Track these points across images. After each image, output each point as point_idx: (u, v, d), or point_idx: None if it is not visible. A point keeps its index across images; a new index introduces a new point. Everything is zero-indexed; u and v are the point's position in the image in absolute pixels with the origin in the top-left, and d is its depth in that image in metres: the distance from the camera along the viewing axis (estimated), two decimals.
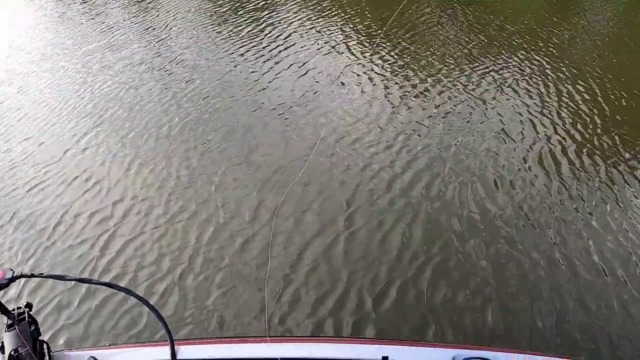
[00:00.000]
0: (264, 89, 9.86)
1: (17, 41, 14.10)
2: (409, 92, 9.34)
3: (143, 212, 6.92)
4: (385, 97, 9.20)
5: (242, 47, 11.87)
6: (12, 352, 2.07)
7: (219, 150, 8.03)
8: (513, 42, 11.33)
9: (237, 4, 14.88)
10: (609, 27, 12.38)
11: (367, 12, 13.59)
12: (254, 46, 11.87)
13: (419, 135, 7.94)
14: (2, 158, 8.71)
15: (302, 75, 10.26)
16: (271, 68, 10.67)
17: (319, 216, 6.42)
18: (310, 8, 14.05)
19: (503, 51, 10.90)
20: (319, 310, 5.22)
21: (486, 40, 11.49)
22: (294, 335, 4.95)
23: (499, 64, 10.31)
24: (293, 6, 14.28)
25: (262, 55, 11.33)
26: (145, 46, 12.68)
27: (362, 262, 5.71)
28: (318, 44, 11.66)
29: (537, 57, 10.49)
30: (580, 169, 7.01)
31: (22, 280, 6.00)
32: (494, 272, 5.44)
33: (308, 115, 8.77)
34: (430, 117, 8.44)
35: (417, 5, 13.67)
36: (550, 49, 10.89)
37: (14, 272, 2.07)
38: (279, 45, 11.73)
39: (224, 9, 14.60)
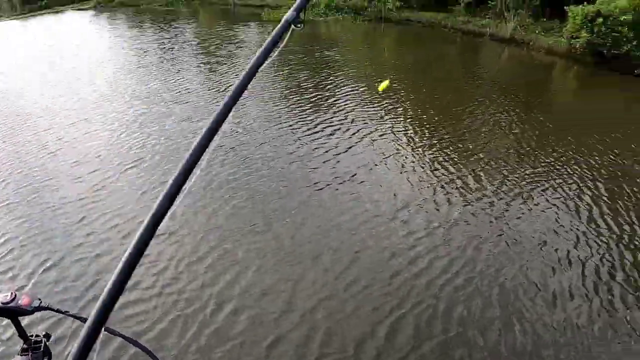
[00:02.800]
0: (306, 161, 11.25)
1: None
2: (450, 190, 10.06)
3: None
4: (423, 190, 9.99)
5: (297, 120, 13.80)
6: None
7: (240, 213, 9.16)
8: (575, 164, 11.60)
9: (306, 81, 17.55)
10: None
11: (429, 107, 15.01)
12: (307, 121, 13.72)
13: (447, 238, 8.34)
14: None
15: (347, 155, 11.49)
16: (322, 144, 12.14)
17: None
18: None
19: (565, 169, 11.30)
20: None
21: (552, 158, 11.92)
22: None
23: (557, 183, 10.63)
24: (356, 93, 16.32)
25: (316, 132, 12.96)
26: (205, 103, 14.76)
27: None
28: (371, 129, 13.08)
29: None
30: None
31: None
32: None
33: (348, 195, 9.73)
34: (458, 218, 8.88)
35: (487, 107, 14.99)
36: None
37: (40, 301, 2.05)
38: (333, 128, 13.19)
39: (290, 83, 17.19)
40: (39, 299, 2.03)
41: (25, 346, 2.11)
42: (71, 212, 9.55)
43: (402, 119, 13.94)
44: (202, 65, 21.99)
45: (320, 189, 9.94)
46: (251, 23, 33.12)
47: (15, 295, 1.97)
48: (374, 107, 14.80)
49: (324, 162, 11.15)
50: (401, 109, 14.77)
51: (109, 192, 10.24)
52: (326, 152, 11.67)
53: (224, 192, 9.88)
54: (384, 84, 4.51)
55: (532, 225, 8.86)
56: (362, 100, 15.52)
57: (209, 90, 17.10)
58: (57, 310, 2.10)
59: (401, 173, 10.60)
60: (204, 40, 29.08)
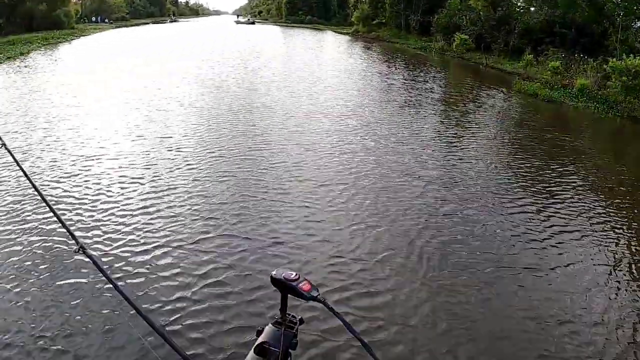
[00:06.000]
0: None
1: None
2: None
3: None
4: None
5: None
6: (264, 344, 2.21)
7: None
8: None
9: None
10: None
11: None
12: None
13: None
14: None
15: None
16: None
17: None
18: None
19: None
20: None
21: None
22: None
23: None
24: None
25: None
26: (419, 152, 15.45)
27: None
28: None
29: None
30: None
31: None
32: None
33: None
34: None
35: None
36: None
37: (319, 294, 2.15)
38: None
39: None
40: (318, 291, 2.14)
41: (280, 320, 2.25)
42: None
43: None
44: (435, 114, 23.14)
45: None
46: (498, 88, 33.04)
47: (299, 277, 2.14)
48: (600, 211, 12.89)
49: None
50: (634, 223, 12.53)
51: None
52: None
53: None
54: None
55: None
56: (590, 196, 13.99)
57: (430, 140, 18.03)
58: (330, 309, 2.13)
59: None
60: (447, 91, 30.35)
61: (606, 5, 52.91)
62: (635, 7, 49.60)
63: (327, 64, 38.79)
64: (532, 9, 56.83)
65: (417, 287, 8.64)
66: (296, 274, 2.12)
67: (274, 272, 2.17)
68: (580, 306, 8.58)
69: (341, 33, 79.55)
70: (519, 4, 61.35)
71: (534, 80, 34.97)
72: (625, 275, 9.87)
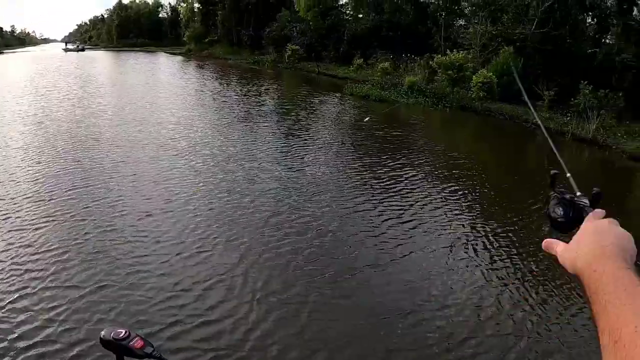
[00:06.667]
0: None
1: None
2: None
3: None
4: None
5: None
6: None
7: None
8: None
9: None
10: None
11: None
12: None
13: None
14: None
15: None
16: None
17: None
18: None
19: None
20: None
21: None
22: None
23: None
24: None
25: None
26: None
27: None
28: None
29: None
30: None
31: None
32: None
33: None
34: None
35: None
36: None
37: (154, 350, 1.93)
38: None
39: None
40: (153, 347, 1.93)
41: None
42: None
43: (464, 212, 12.83)
44: (267, 127, 22.72)
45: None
46: (330, 93, 33.55)
47: (129, 334, 1.92)
48: (434, 198, 13.67)
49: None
50: (466, 204, 13.53)
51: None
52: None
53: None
54: None
55: None
56: (424, 185, 14.79)
57: (261, 153, 17.50)
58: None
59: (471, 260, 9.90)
60: (280, 102, 30.24)
61: (429, 7, 55.89)
62: (455, 7, 52.81)
63: (158, 87, 37.33)
64: (360, 16, 58.75)
65: (248, 307, 8.06)
66: (126, 331, 1.91)
67: (102, 333, 1.94)
68: (423, 293, 8.58)
69: (174, 54, 78.19)
70: (347, 12, 63.29)
71: (366, 82, 36.06)
72: (462, 255, 10.08)
